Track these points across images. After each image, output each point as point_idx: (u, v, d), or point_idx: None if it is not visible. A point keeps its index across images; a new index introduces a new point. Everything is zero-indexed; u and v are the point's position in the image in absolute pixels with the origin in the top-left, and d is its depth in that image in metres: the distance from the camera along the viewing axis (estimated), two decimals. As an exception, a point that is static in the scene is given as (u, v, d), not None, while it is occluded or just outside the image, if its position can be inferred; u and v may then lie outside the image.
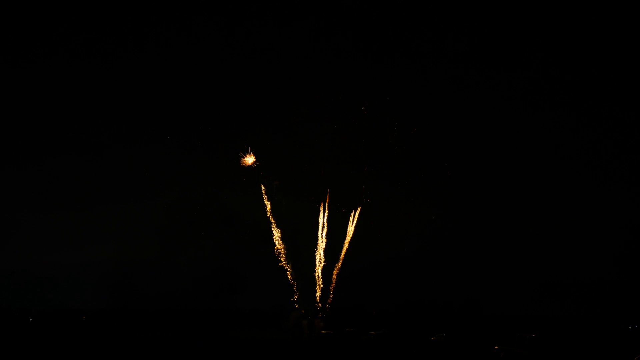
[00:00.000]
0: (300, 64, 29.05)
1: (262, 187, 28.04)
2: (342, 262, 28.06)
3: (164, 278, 30.27)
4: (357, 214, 28.03)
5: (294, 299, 27.91)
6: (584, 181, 30.98)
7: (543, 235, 30.57)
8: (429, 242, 30.11)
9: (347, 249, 28.01)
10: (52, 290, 30.00)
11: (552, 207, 30.94)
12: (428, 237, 30.35)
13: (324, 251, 28.16)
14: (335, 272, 27.81)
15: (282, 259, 27.98)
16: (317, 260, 28.07)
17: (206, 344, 23.52)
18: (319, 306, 27.90)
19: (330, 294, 28.07)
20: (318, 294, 27.93)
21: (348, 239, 27.93)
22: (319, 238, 28.26)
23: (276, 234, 28.16)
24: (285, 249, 28.02)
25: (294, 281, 27.89)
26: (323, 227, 28.06)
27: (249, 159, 28.07)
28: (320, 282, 27.75)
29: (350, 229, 27.98)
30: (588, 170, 31.20)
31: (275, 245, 28.20)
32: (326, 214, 28.03)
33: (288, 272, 28.04)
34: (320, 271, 28.03)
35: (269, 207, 28.02)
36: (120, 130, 32.22)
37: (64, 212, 31.79)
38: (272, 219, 27.93)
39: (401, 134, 28.94)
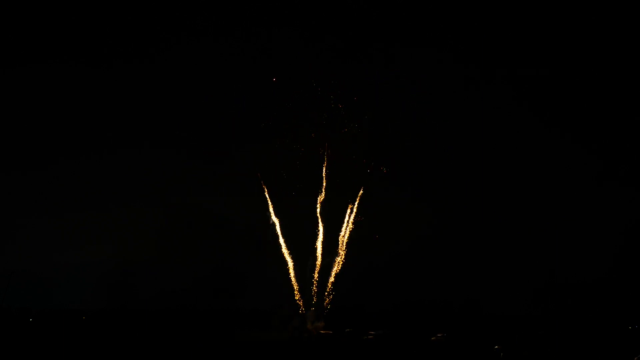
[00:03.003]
0: (297, 65, 29.09)
1: (265, 190, 28.21)
2: (341, 259, 28.17)
3: (164, 278, 30.34)
4: (355, 206, 28.14)
5: (295, 300, 28.04)
6: (584, 181, 30.94)
7: (543, 235, 30.50)
8: (429, 241, 30.10)
9: (345, 246, 28.13)
10: (52, 290, 30.09)
11: (552, 206, 30.90)
12: (428, 236, 30.36)
13: (323, 249, 28.27)
14: (334, 270, 27.91)
15: (285, 256, 28.11)
16: (316, 258, 28.19)
17: (206, 344, 23.58)
18: (314, 304, 27.96)
19: (328, 293, 28.15)
20: (315, 292, 28.01)
21: (346, 233, 28.07)
22: (318, 234, 28.38)
23: (278, 231, 28.31)
24: (285, 248, 28.17)
25: (294, 282, 28.02)
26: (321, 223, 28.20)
27: None
28: (316, 279, 27.84)
29: (349, 223, 28.13)
30: (588, 170, 31.17)
31: (277, 247, 28.40)
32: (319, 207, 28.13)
33: (289, 273, 28.18)
34: (318, 269, 28.14)
35: (271, 207, 28.19)
36: (120, 133, 32.30)
37: (64, 213, 31.83)
38: (274, 218, 28.10)
39: (400, 133, 29.01)
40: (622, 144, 31.19)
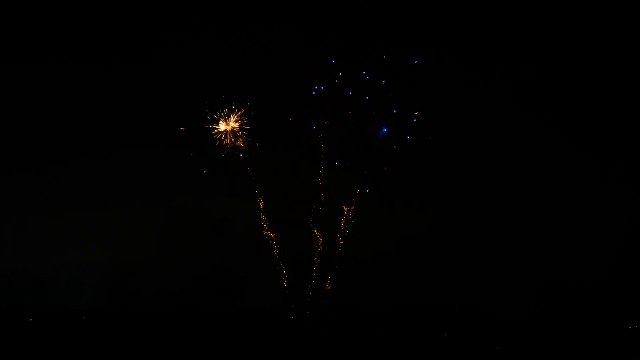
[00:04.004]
0: (296, 66, 29.17)
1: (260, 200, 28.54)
2: (340, 259, 28.29)
3: (164, 278, 30.40)
4: (352, 207, 28.30)
5: (290, 300, 28.22)
6: (585, 181, 30.95)
7: (543, 235, 30.50)
8: (429, 241, 30.12)
9: (343, 245, 28.28)
10: (52, 290, 30.15)
11: (552, 206, 30.90)
12: (428, 236, 30.38)
13: (321, 250, 28.38)
14: (332, 271, 28.01)
15: (279, 262, 28.33)
16: (314, 259, 28.30)
17: (206, 344, 23.62)
18: (314, 305, 28.07)
19: (327, 293, 28.26)
20: (313, 292, 28.13)
21: (344, 233, 28.23)
22: (316, 235, 28.49)
23: (272, 236, 28.56)
24: (280, 249, 28.35)
25: (287, 282, 28.25)
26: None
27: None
28: (314, 280, 27.96)
29: (347, 223, 28.29)
30: (588, 170, 31.18)
31: (273, 249, 28.57)
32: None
33: (285, 278, 28.37)
34: (316, 270, 28.24)
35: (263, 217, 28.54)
36: (120, 133, 32.25)
37: (64, 213, 31.85)
38: (266, 227, 28.40)
39: (398, 133, 29.04)
40: (622, 144, 31.17)
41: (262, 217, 28.83)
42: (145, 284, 30.35)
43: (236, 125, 27.85)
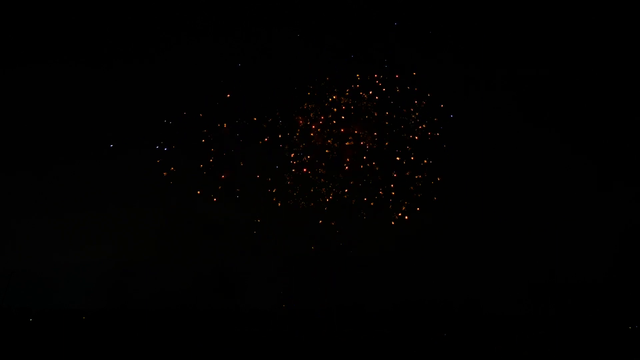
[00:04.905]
0: (295, 66, 29.19)
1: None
2: (338, 259, 28.33)
3: (164, 278, 30.40)
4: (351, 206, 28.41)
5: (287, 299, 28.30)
6: (584, 180, 30.94)
7: (543, 235, 30.51)
8: (429, 241, 30.14)
9: (343, 245, 28.35)
10: (52, 290, 30.16)
11: (552, 206, 30.90)
12: (428, 236, 30.38)
13: (321, 249, 28.43)
14: (332, 270, 28.04)
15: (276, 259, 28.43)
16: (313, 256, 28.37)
17: (206, 344, 23.66)
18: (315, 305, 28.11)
19: (326, 293, 28.29)
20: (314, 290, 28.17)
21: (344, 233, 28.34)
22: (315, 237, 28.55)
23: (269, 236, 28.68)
24: (280, 250, 28.41)
25: (286, 283, 28.34)
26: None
27: None
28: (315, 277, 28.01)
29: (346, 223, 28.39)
30: (588, 170, 31.17)
31: (272, 249, 28.66)
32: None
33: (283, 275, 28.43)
34: (316, 269, 28.29)
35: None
36: (120, 133, 32.21)
37: (64, 213, 31.83)
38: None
39: (399, 133, 29.06)
40: (623, 143, 31.19)
41: (261, 217, 28.91)
42: (145, 284, 30.35)
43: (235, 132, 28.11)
